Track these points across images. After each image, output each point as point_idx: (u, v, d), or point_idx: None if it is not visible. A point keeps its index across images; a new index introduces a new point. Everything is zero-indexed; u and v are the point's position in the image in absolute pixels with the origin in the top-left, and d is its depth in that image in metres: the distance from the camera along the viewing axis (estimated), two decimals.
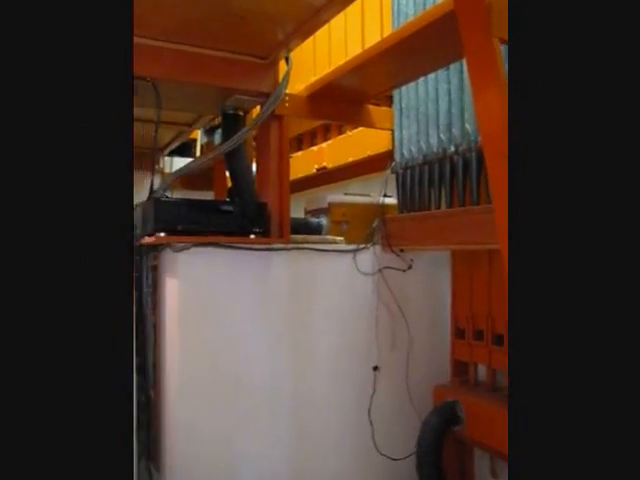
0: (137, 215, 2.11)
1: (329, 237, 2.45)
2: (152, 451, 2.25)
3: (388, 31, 2.28)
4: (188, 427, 2.07)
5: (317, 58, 2.61)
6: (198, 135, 3.51)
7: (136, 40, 1.96)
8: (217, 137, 2.84)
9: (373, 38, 2.32)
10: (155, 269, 2.22)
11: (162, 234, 1.94)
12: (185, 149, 3.62)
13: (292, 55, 2.22)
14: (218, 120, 2.75)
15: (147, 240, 2.01)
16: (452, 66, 2.11)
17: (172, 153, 3.60)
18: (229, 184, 2.81)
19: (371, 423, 2.38)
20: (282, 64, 2.26)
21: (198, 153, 3.61)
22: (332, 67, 2.33)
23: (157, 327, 2.22)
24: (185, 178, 2.88)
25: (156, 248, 2.18)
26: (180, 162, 3.48)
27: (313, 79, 2.38)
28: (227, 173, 2.78)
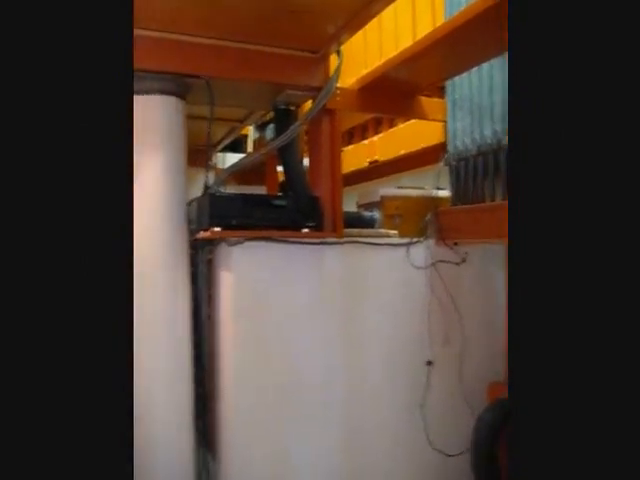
0: (192, 210, 2.15)
1: (382, 231, 2.44)
2: (209, 440, 2.30)
3: (440, 21, 2.24)
4: (243, 419, 2.10)
5: (368, 50, 2.59)
6: (249, 131, 3.56)
7: (188, 39, 2.01)
8: (268, 132, 2.87)
9: (425, 29, 2.28)
10: (210, 263, 2.26)
11: (217, 228, 1.97)
12: (237, 145, 3.67)
13: (343, 48, 2.21)
14: (269, 116, 2.78)
15: (202, 234, 2.04)
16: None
17: (224, 149, 3.65)
18: (281, 179, 2.84)
19: (424, 418, 2.36)
20: (333, 58, 2.25)
21: (250, 149, 3.65)
22: (383, 59, 2.30)
23: (212, 320, 2.26)
24: (237, 173, 2.92)
25: (211, 242, 2.22)
26: (232, 158, 3.53)
27: (364, 72, 2.36)
28: (279, 168, 2.80)
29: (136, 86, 2.04)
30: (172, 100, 2.08)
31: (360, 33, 2.19)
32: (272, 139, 2.37)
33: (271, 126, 2.84)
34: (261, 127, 3.12)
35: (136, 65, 1.94)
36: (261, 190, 3.41)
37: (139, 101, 2.05)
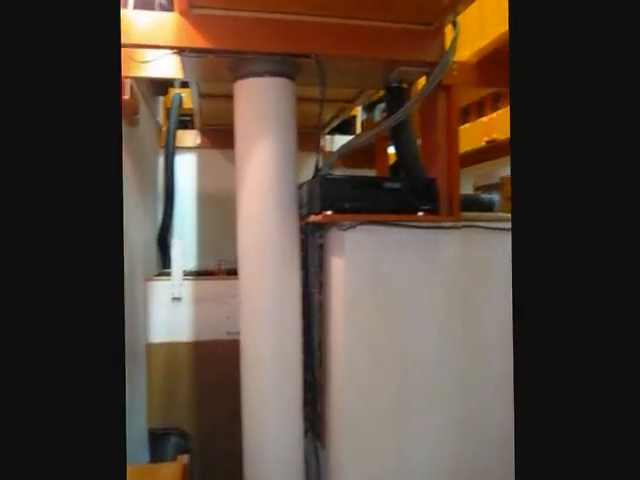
0: (303, 194, 2.11)
1: (502, 214, 2.29)
2: (318, 428, 2.29)
3: None
4: (352, 408, 2.06)
5: (485, 20, 2.42)
6: (358, 112, 3.49)
7: (296, 18, 1.96)
8: (377, 113, 2.79)
9: None
10: (321, 248, 2.22)
11: (328, 212, 1.92)
12: (345, 127, 3.62)
13: (458, 19, 2.07)
14: (378, 95, 2.69)
15: (313, 218, 2.00)
16: None
17: (332, 131, 3.61)
18: (392, 160, 2.75)
19: None
20: (448, 30, 2.12)
21: (358, 130, 3.59)
22: (502, 29, 2.13)
23: (323, 306, 2.23)
24: (345, 156, 2.86)
25: (322, 227, 2.17)
26: (340, 140, 3.49)
27: (481, 44, 2.21)
28: (391, 149, 2.71)
29: (245, 69, 2.03)
30: (282, 82, 2.05)
31: (476, 2, 2.04)
32: (384, 119, 2.29)
33: (380, 106, 2.76)
34: (369, 107, 3.05)
35: (246, 47, 1.96)
36: (370, 173, 3.34)
37: (249, 84, 2.04)
